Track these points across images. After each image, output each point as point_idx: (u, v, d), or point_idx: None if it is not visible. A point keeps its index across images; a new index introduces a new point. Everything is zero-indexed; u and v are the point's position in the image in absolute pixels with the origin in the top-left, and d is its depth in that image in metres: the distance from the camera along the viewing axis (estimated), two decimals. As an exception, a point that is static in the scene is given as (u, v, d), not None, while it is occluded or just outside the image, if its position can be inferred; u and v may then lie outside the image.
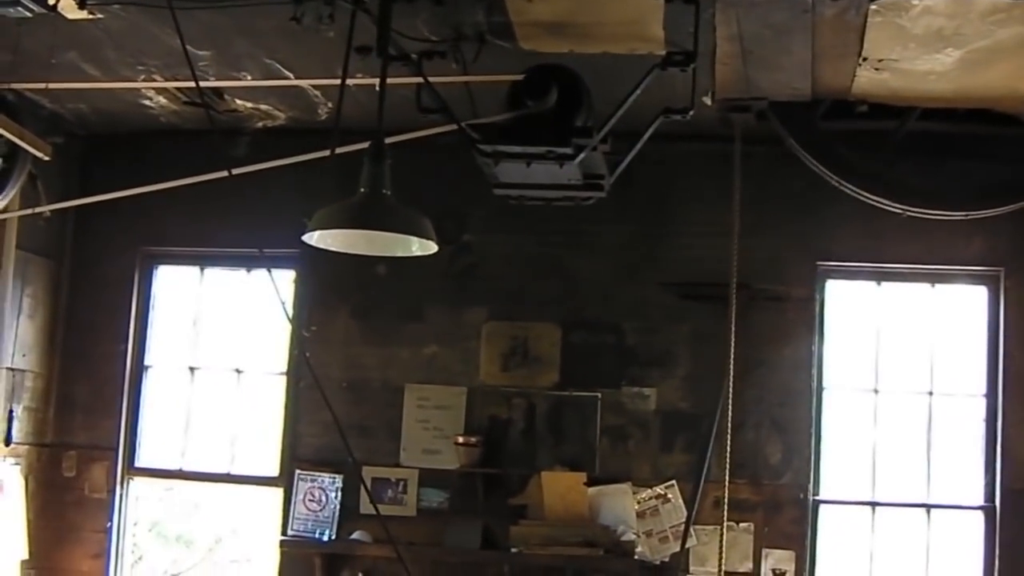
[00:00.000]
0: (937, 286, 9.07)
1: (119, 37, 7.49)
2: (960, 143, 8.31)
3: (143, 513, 10.45)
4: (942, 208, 8.18)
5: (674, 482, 8.87)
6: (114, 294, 9.81)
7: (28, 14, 6.55)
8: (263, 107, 8.98)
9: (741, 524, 8.71)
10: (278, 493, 9.48)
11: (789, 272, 8.92)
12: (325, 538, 9.11)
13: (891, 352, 9.09)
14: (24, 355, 9.38)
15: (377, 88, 5.65)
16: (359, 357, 9.33)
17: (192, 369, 9.88)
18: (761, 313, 8.75)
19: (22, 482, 9.30)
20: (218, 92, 8.64)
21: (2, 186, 8.42)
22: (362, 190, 5.44)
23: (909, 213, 8.15)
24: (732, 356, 7.89)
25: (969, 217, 8.22)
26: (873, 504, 8.93)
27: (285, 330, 9.61)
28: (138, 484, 9.92)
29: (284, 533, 9.24)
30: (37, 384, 9.58)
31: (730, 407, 7.98)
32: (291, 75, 8.08)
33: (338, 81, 5.94)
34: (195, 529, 14.77)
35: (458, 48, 6.63)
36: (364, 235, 5.66)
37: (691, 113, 6.72)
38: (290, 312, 9.12)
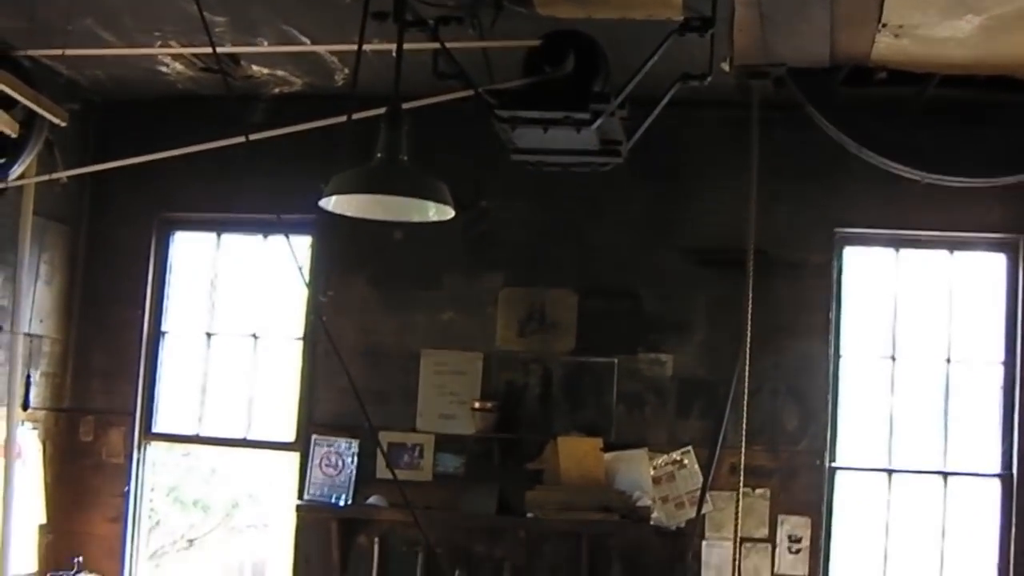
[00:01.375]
0: (956, 253, 9.05)
1: (135, 3, 7.49)
2: (980, 110, 8.25)
3: (160, 478, 10.49)
4: (961, 175, 8.12)
5: (690, 448, 8.89)
6: (131, 260, 9.84)
7: (45, -20, 6.55)
8: (279, 73, 8.97)
9: (757, 490, 8.73)
10: (295, 458, 9.51)
11: (807, 239, 8.91)
12: (341, 503, 9.14)
13: (909, 319, 9.08)
14: (41, 321, 9.40)
15: (394, 54, 5.64)
16: (375, 323, 9.34)
17: (209, 335, 9.90)
18: (779, 280, 8.73)
19: (40, 447, 9.35)
20: (234, 58, 8.63)
21: (19, 153, 8.40)
22: (379, 155, 5.43)
23: (928, 180, 8.10)
24: (749, 322, 7.87)
25: (988, 184, 8.17)
26: (890, 471, 8.94)
27: (302, 295, 9.63)
28: (155, 449, 9.96)
29: (300, 498, 9.27)
30: (54, 349, 9.61)
31: (747, 373, 7.96)
32: (307, 41, 8.06)
33: (355, 47, 5.94)
34: (212, 494, 14.84)
35: (475, 14, 6.57)
36: (381, 200, 5.66)
37: (709, 79, 6.67)
38: (307, 277, 9.13)
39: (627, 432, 8.98)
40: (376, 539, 9.07)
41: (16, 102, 8.00)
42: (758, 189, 7.82)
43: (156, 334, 9.90)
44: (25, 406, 9.05)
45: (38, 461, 9.31)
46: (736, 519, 8.06)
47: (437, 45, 6.39)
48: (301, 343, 9.64)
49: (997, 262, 8.99)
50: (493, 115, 6.34)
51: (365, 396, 7.59)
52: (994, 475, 8.79)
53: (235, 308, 9.93)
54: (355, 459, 9.18)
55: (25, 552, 9.13)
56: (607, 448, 8.88)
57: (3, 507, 8.81)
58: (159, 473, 10.34)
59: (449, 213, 5.63)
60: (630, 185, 8.76)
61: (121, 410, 9.72)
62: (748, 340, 7.91)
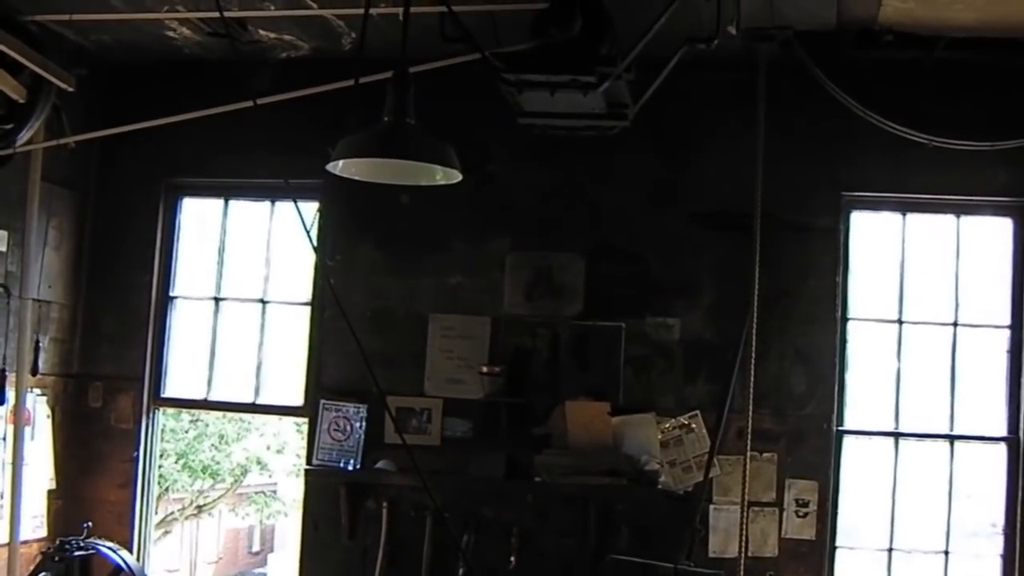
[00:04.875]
0: (962, 217, 9.01)
1: (142, -33, 7.49)
2: (987, 73, 8.26)
3: (170, 445, 10.53)
4: (968, 138, 8.13)
5: (698, 412, 8.88)
6: (139, 225, 9.84)
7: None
8: (286, 38, 8.95)
9: (764, 454, 8.73)
10: (303, 423, 9.54)
11: (814, 202, 8.88)
12: (350, 467, 9.16)
13: (916, 283, 9.07)
14: (50, 286, 9.42)
15: (400, 17, 5.64)
16: (383, 287, 9.32)
17: (217, 300, 9.91)
18: (785, 243, 8.71)
19: (49, 413, 9.38)
20: (241, 23, 8.61)
21: (27, 118, 8.41)
22: (386, 119, 5.44)
23: (935, 143, 8.11)
24: (756, 286, 7.88)
25: (995, 147, 8.17)
26: (896, 435, 8.93)
27: (309, 261, 9.64)
28: (164, 417, 9.98)
29: (309, 462, 9.28)
30: (63, 315, 9.63)
31: (754, 337, 7.98)
32: (314, 5, 8.06)
33: (361, 10, 5.94)
34: (221, 460, 14.89)
35: (481, -25, 6.60)
36: (388, 164, 5.67)
37: (716, 42, 6.70)
38: (314, 242, 9.14)
39: (635, 396, 8.97)
40: (385, 503, 9.07)
41: (23, 67, 8.02)
42: (765, 152, 7.84)
43: (165, 300, 9.90)
44: (34, 372, 9.07)
45: (47, 427, 9.35)
46: (744, 483, 8.11)
47: (444, 8, 6.41)
48: (309, 308, 9.65)
49: (1004, 226, 8.97)
50: (500, 78, 6.35)
51: (373, 361, 7.63)
52: (1000, 439, 8.79)
53: (243, 274, 9.95)
54: (363, 424, 9.18)
55: (35, 517, 9.18)
56: (615, 412, 8.86)
57: (13, 473, 8.86)
58: (168, 440, 10.37)
59: (456, 176, 5.64)
60: (637, 148, 8.74)
61: (130, 375, 9.74)
62: (755, 304, 7.93)
